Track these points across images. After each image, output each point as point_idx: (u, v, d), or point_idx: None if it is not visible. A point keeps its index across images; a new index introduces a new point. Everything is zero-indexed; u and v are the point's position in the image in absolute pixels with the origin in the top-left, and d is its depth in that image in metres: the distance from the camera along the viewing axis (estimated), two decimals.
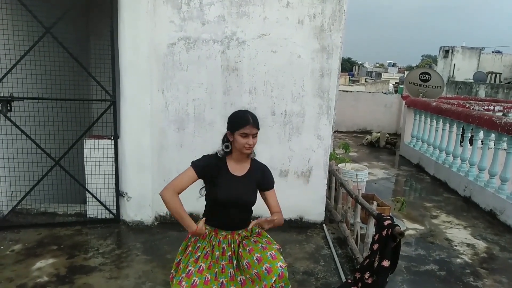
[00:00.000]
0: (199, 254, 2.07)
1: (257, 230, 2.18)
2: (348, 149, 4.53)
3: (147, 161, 3.45)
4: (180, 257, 2.14)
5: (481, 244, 3.64)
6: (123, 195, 3.52)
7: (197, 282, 1.97)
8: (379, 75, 41.34)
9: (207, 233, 2.11)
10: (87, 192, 3.52)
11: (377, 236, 2.56)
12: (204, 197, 2.13)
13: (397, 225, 2.45)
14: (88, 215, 3.58)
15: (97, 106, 3.72)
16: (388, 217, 2.65)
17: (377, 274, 2.40)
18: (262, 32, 3.34)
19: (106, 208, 3.54)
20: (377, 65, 65.32)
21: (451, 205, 4.72)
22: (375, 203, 3.13)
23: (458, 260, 3.30)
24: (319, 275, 2.89)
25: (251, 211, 2.20)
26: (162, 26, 3.30)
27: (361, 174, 4.25)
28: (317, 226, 3.72)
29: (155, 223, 3.62)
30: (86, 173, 3.48)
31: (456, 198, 5.02)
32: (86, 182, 3.51)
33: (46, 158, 3.41)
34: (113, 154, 3.47)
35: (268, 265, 1.94)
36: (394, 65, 60.81)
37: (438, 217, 4.30)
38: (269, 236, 2.22)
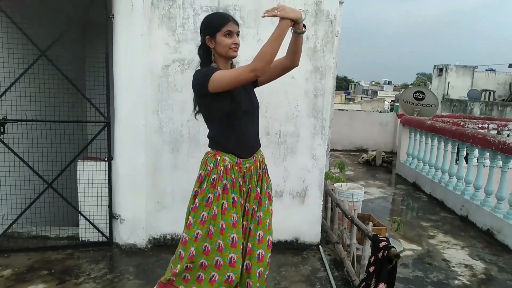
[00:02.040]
0: (223, 201, 1.91)
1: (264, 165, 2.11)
2: (343, 169, 4.52)
3: (141, 182, 3.42)
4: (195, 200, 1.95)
5: (479, 265, 3.60)
6: (116, 217, 3.47)
7: (224, 226, 1.89)
8: (375, 93, 41.76)
9: (229, 166, 1.92)
10: (80, 214, 3.48)
11: (373, 258, 2.52)
12: (208, 122, 2.00)
13: (393, 247, 2.42)
14: (80, 238, 3.52)
15: (91, 128, 3.72)
16: (384, 238, 2.62)
17: None
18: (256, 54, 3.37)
19: (99, 231, 3.49)
20: (373, 83, 66.08)
21: (448, 225, 4.68)
22: (371, 223, 3.10)
23: (456, 281, 3.25)
24: None
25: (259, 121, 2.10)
26: (157, 48, 3.33)
27: (357, 194, 4.23)
28: (313, 247, 3.67)
29: (149, 246, 3.56)
30: (79, 195, 3.44)
31: (453, 217, 4.99)
32: (79, 205, 3.46)
33: (38, 180, 3.38)
34: (107, 176, 3.44)
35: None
36: (389, 83, 61.49)
37: (435, 237, 4.26)
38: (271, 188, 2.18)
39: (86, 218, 3.46)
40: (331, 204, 3.98)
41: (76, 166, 3.41)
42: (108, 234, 3.50)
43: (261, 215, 2.06)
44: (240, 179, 1.96)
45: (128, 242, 3.50)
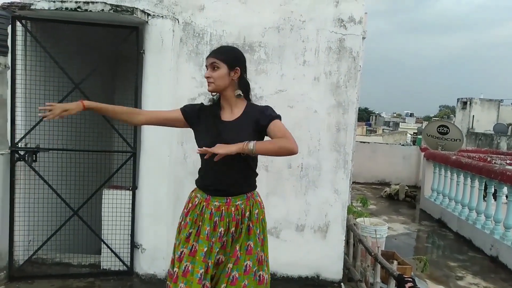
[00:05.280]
0: (190, 230, 1.86)
1: (256, 213, 1.93)
2: (366, 204, 4.44)
3: (163, 212, 3.46)
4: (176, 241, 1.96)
5: None
6: (138, 246, 3.49)
7: (189, 268, 1.81)
8: (396, 125, 41.32)
9: (197, 202, 1.89)
10: (102, 242, 3.52)
11: None
12: None
13: None
14: (102, 267, 3.55)
15: (117, 157, 3.82)
16: (410, 279, 2.54)
17: None
18: (279, 88, 3.44)
19: (120, 260, 3.51)
20: (394, 115, 65.51)
21: (477, 265, 4.48)
22: (395, 262, 3.01)
23: None
24: None
25: (250, 168, 1.90)
26: (184, 82, 3.45)
27: (380, 230, 4.13)
28: (335, 284, 3.56)
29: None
30: (102, 223, 3.50)
31: (482, 257, 4.77)
32: (102, 233, 3.51)
33: (65, 208, 3.46)
34: (130, 205, 3.49)
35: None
36: (411, 115, 60.82)
37: (464, 278, 4.08)
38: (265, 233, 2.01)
39: (108, 247, 3.49)
40: (353, 239, 3.90)
41: (102, 194, 3.48)
42: (129, 263, 3.51)
43: (236, 275, 1.86)
44: (206, 215, 1.87)
45: (148, 272, 3.50)
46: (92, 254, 3.71)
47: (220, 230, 1.84)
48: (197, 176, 2.06)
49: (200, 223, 1.87)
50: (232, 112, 1.92)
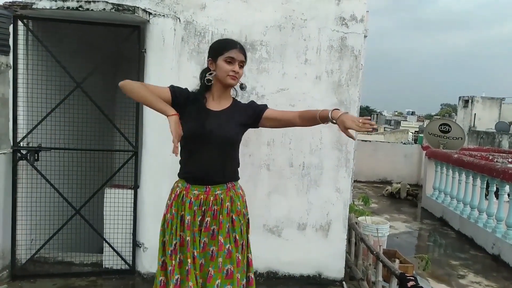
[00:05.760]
0: (177, 221, 1.87)
1: (238, 205, 1.91)
2: (368, 202, 4.44)
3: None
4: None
5: None
6: (140, 245, 3.50)
7: (182, 258, 1.87)
8: (398, 123, 41.31)
9: (178, 192, 1.89)
10: (104, 241, 3.52)
11: None
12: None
13: (422, 287, 2.34)
14: (104, 265, 3.55)
15: (119, 156, 3.82)
16: (412, 277, 2.53)
17: None
18: (281, 87, 3.44)
19: (122, 259, 3.51)
20: (396, 113, 65.45)
21: (479, 264, 4.47)
22: (397, 260, 3.01)
23: None
24: None
25: (233, 159, 1.91)
26: (186, 81, 3.42)
27: (382, 229, 4.13)
28: (337, 283, 3.57)
29: None
30: (104, 222, 3.51)
31: (484, 256, 4.77)
32: (104, 232, 3.52)
33: (67, 207, 3.47)
34: (132, 204, 3.50)
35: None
36: (413, 113, 60.78)
37: (466, 277, 4.07)
38: (248, 226, 1.98)
39: (110, 246, 3.50)
40: (355, 238, 3.89)
41: (104, 193, 3.49)
42: (131, 262, 3.52)
43: (215, 252, 1.86)
44: (186, 204, 1.87)
45: (150, 271, 3.50)
46: (94, 253, 3.72)
47: (198, 219, 1.84)
48: None
49: (182, 213, 1.87)
50: (220, 103, 1.92)
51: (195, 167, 1.86)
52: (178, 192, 1.90)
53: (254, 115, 1.93)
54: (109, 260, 3.53)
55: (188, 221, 1.83)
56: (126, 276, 3.49)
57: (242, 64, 1.86)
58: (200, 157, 1.84)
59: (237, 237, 1.90)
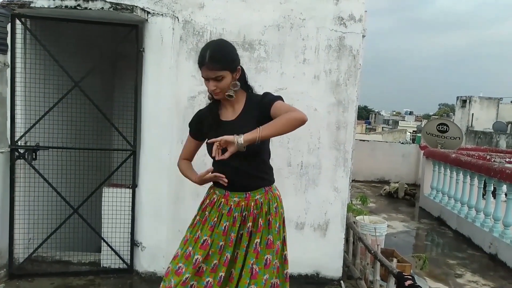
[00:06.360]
0: (203, 224, 1.88)
1: (275, 206, 1.93)
2: (366, 202, 4.45)
3: (163, 211, 3.46)
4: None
5: None
6: (138, 244, 3.50)
7: (200, 260, 1.82)
8: (396, 123, 41.37)
9: (215, 198, 1.91)
10: (102, 240, 3.52)
11: None
12: None
13: (419, 286, 2.35)
14: (102, 265, 3.55)
15: (117, 155, 3.82)
16: (409, 276, 2.55)
17: None
18: (279, 87, 3.44)
19: (120, 258, 3.51)
20: (394, 113, 65.53)
21: (476, 263, 4.49)
22: (395, 260, 3.02)
23: None
24: None
25: (262, 162, 1.92)
26: (184, 80, 3.45)
27: (380, 228, 4.14)
28: (335, 282, 3.58)
29: None
30: (102, 221, 3.50)
31: (481, 255, 4.79)
32: (102, 231, 3.52)
33: (65, 206, 3.47)
34: (130, 203, 3.50)
35: None
36: (411, 113, 60.86)
37: (463, 276, 4.09)
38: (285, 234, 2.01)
39: (108, 245, 3.50)
40: (353, 237, 3.90)
41: (102, 192, 3.48)
42: (129, 262, 3.52)
43: (257, 269, 1.86)
44: (224, 211, 1.88)
45: (148, 270, 3.50)
46: (92, 252, 3.72)
47: (238, 225, 1.87)
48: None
49: (215, 219, 1.88)
50: (234, 109, 1.91)
51: (232, 177, 1.86)
52: (215, 199, 1.92)
53: (264, 112, 1.86)
54: (107, 259, 3.53)
55: (225, 227, 1.85)
56: (124, 275, 3.49)
57: (218, 78, 1.76)
58: (232, 168, 1.85)
59: (272, 239, 1.93)
